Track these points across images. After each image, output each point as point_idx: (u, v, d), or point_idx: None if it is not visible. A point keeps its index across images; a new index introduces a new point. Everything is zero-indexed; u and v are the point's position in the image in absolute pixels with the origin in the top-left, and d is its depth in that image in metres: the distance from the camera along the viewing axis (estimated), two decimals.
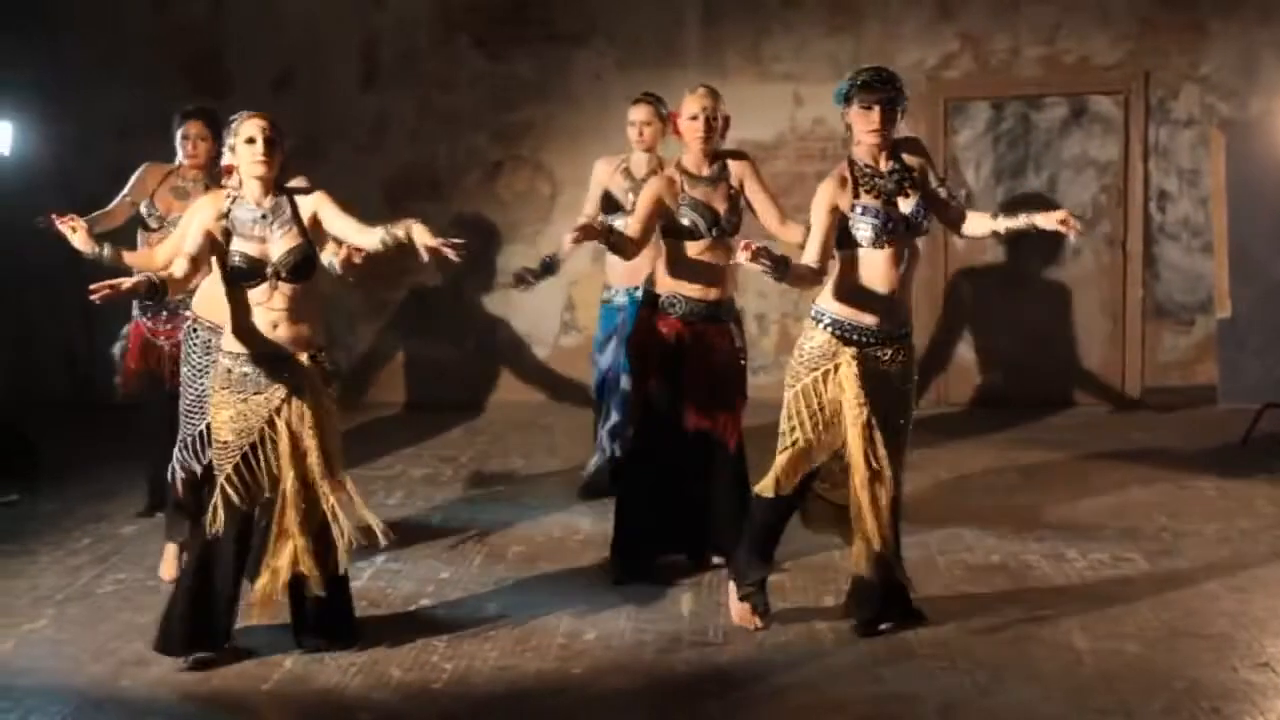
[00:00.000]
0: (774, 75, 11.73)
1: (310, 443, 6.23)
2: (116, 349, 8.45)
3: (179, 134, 8.11)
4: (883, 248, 6.16)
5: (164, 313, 8.02)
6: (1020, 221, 6.28)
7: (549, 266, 8.80)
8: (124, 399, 8.38)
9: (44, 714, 5.89)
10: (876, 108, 6.16)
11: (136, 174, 8.19)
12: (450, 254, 5.86)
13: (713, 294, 7.22)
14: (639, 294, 8.30)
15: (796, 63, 11.77)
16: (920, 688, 5.92)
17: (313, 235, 6.25)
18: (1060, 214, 6.21)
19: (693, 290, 7.20)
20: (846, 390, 6.21)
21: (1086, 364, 11.73)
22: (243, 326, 6.26)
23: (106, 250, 7.10)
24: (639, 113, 8.66)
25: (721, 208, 7.20)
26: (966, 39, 11.65)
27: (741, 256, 5.90)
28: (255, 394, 6.24)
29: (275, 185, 6.28)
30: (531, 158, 12.12)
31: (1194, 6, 11.46)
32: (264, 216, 6.21)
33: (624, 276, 8.53)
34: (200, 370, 7.10)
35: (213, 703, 6.04)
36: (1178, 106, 11.55)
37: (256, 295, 6.22)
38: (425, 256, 5.91)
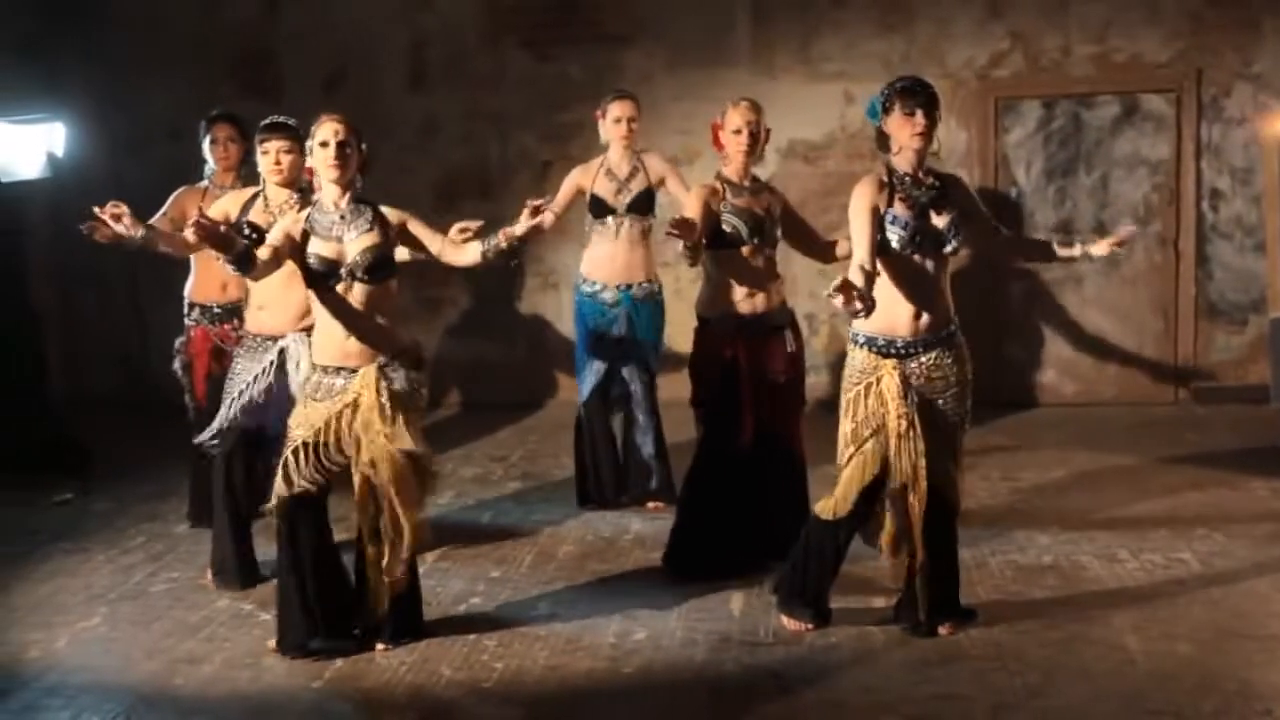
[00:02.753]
0: (824, 75, 11.69)
1: (378, 451, 6.24)
2: (178, 365, 8.43)
3: (207, 139, 8.21)
4: (910, 257, 6.18)
5: (220, 320, 8.09)
6: (1075, 251, 6.39)
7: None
8: (197, 410, 8.37)
9: (97, 712, 5.93)
10: (919, 112, 6.17)
11: (172, 198, 8.25)
12: (543, 218, 6.13)
13: (762, 305, 7.25)
14: (634, 292, 8.37)
15: (847, 62, 11.73)
16: (971, 689, 5.91)
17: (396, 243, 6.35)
18: (1111, 240, 6.32)
19: (743, 306, 7.22)
20: (889, 402, 6.22)
21: (1138, 364, 11.66)
22: (322, 334, 6.33)
23: (150, 231, 7.21)
24: (626, 108, 8.68)
25: (762, 215, 7.25)
26: (1017, 38, 11.59)
27: (837, 301, 5.79)
28: (329, 399, 6.29)
29: (353, 187, 6.31)
30: (581, 158, 12.05)
31: (1246, 4, 11.37)
32: (341, 218, 6.27)
33: (618, 273, 8.58)
34: (244, 374, 7.27)
35: (264, 701, 6.07)
36: (1230, 104, 11.47)
37: (335, 301, 6.26)
38: (523, 234, 6.13)
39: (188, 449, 8.25)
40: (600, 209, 8.66)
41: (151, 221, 8.13)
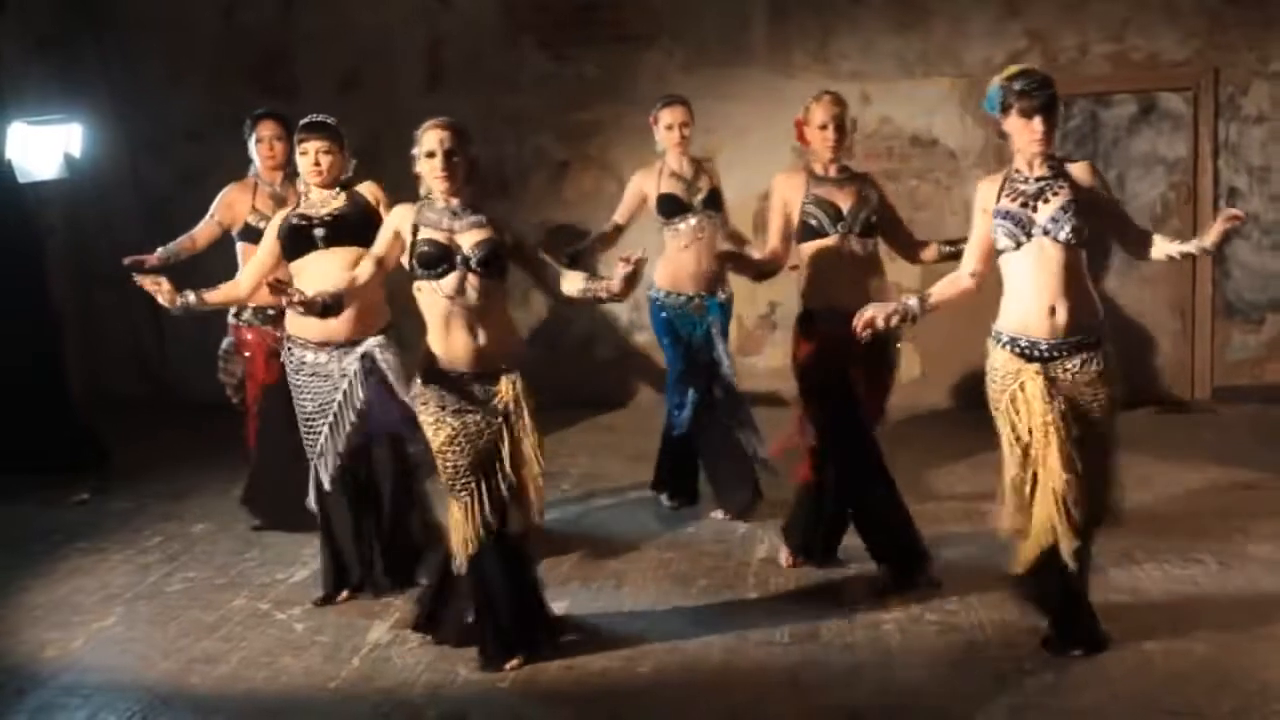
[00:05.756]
0: (841, 74, 11.68)
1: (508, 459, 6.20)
2: (223, 361, 8.44)
3: (253, 137, 8.16)
4: (1021, 252, 5.98)
5: (274, 322, 8.02)
6: (1192, 247, 5.94)
7: (573, 258, 8.60)
8: (241, 407, 8.40)
9: (113, 711, 5.95)
10: (1038, 116, 5.96)
11: (220, 198, 8.25)
12: (636, 268, 5.93)
13: (859, 298, 6.78)
14: (720, 298, 8.30)
15: (864, 61, 11.73)
16: (987, 688, 5.90)
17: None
18: (1220, 226, 5.79)
19: (839, 299, 7.00)
20: (1035, 409, 6.00)
21: (1156, 363, 11.65)
22: (433, 342, 6.20)
23: (192, 298, 7.01)
24: (677, 114, 8.48)
25: (846, 204, 7.15)
26: (1034, 36, 11.58)
27: (865, 335, 6.06)
28: (457, 411, 6.16)
29: (462, 194, 6.21)
30: (599, 157, 12.12)
31: (1263, 3, 11.35)
32: (453, 214, 6.17)
33: (703, 281, 8.40)
34: (297, 389, 7.16)
35: (280, 701, 6.07)
36: (1247, 103, 11.45)
37: (444, 304, 6.12)
38: (620, 290, 6.02)
39: (266, 449, 8.29)
40: (674, 206, 8.43)
41: (198, 228, 8.14)
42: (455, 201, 6.19)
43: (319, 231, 7.01)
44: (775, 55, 11.81)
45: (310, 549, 7.71)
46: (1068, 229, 5.88)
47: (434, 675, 6.22)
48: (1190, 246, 5.94)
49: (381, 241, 6.27)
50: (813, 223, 7.16)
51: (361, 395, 7.00)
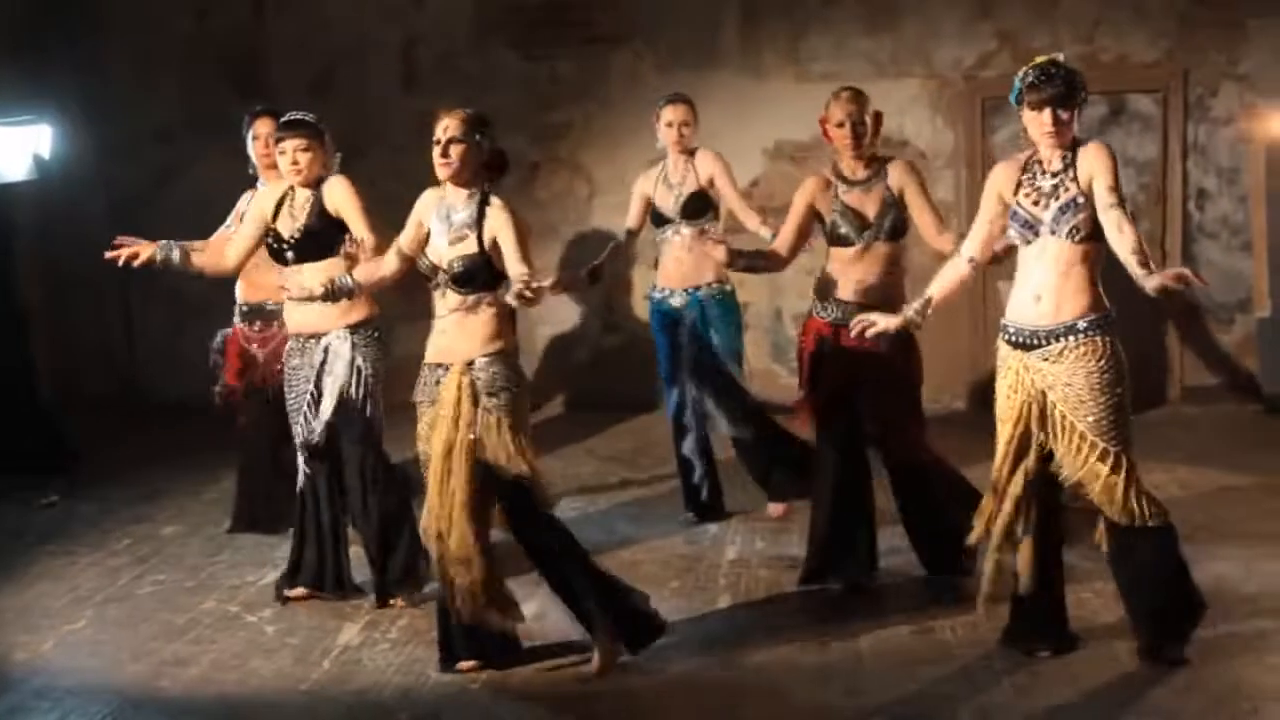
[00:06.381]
0: (812, 75, 11.67)
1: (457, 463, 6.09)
2: (214, 356, 8.42)
3: (249, 134, 8.10)
4: (1029, 246, 5.96)
5: (259, 322, 8.01)
6: (1140, 278, 5.72)
7: (595, 275, 8.59)
8: (221, 410, 8.39)
9: (83, 714, 5.94)
10: (1046, 109, 5.90)
11: (235, 211, 8.11)
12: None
13: (862, 298, 6.92)
14: (701, 294, 8.29)
15: (834, 62, 11.72)
16: (957, 689, 5.92)
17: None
18: (1171, 275, 5.68)
19: (847, 295, 7.05)
20: (1013, 395, 6.04)
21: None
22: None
23: (176, 253, 7.04)
24: (678, 112, 8.45)
25: (872, 212, 7.08)
26: (1005, 37, 11.60)
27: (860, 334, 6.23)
28: (431, 404, 6.17)
29: (473, 185, 6.13)
30: (569, 159, 12.11)
31: (1232, 4, 11.38)
32: (451, 209, 6.13)
33: (685, 276, 8.40)
34: (294, 373, 7.17)
35: (250, 703, 6.07)
36: (1217, 104, 11.49)
37: (442, 309, 6.14)
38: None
39: (245, 455, 8.34)
40: (658, 220, 8.49)
41: (214, 236, 7.99)
42: (462, 194, 6.12)
43: (289, 255, 7.02)
44: (747, 57, 11.81)
45: (280, 551, 7.71)
46: (1066, 229, 5.87)
47: (405, 677, 6.22)
48: (1139, 277, 5.74)
49: (405, 233, 6.27)
50: (841, 230, 7.10)
51: (317, 390, 7.05)
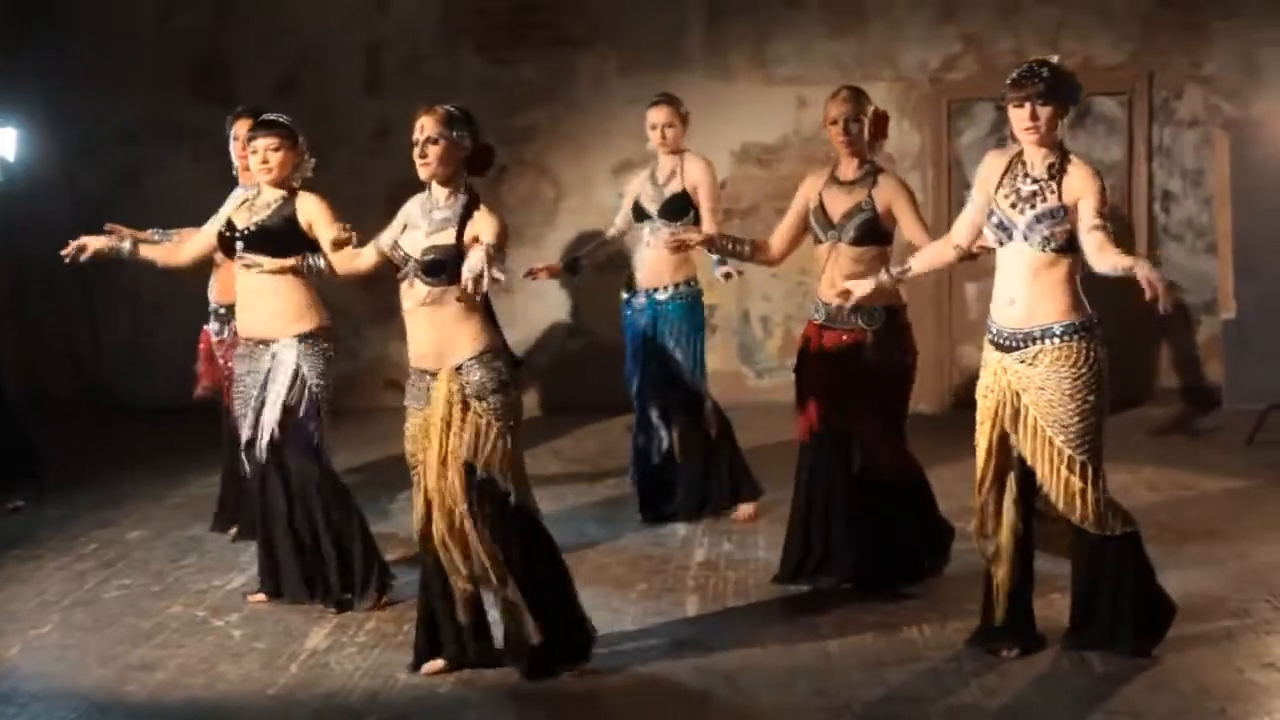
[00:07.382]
0: (777, 78, 11.72)
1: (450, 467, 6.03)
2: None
3: (231, 134, 8.07)
4: (1004, 247, 5.99)
5: (230, 324, 7.90)
6: (1128, 262, 5.73)
7: (573, 266, 8.77)
8: (197, 401, 8.39)
9: (49, 718, 5.90)
10: (1026, 105, 5.88)
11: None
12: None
13: (838, 299, 6.80)
14: (660, 296, 8.30)
15: (800, 65, 11.76)
16: (925, 689, 5.92)
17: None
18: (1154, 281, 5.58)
19: (825, 295, 7.09)
20: (989, 395, 6.07)
21: None
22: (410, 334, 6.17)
23: (126, 244, 7.07)
24: (660, 114, 8.46)
25: (839, 213, 7.08)
26: (969, 40, 11.65)
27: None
28: (415, 409, 6.13)
29: (454, 184, 6.10)
30: (535, 162, 12.11)
31: (1196, 7, 11.46)
32: (430, 212, 6.09)
33: (648, 278, 8.46)
34: (240, 379, 7.16)
35: (217, 708, 6.04)
36: (1181, 107, 11.55)
37: (408, 302, 6.09)
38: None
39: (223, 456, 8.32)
40: (639, 214, 8.54)
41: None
42: (444, 191, 6.09)
43: (239, 245, 7.00)
44: (712, 59, 11.83)
45: (247, 556, 7.68)
46: (1039, 238, 5.87)
47: (373, 680, 6.20)
48: (1116, 261, 5.73)
49: (388, 231, 6.24)
50: (811, 226, 7.19)
51: (259, 398, 7.04)
